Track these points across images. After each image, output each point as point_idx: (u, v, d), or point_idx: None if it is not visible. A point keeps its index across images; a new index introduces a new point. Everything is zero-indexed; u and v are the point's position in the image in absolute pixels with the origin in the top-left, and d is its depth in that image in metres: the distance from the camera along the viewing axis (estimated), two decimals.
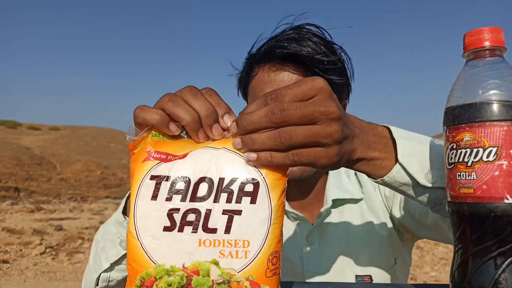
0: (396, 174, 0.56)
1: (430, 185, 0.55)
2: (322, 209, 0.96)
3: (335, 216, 0.99)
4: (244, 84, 0.96)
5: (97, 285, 0.76)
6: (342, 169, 0.91)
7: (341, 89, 0.91)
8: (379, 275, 0.94)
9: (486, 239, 0.43)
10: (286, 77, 0.85)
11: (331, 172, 1.02)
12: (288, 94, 0.46)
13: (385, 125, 0.58)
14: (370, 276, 0.93)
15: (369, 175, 0.58)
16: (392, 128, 0.57)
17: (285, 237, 0.97)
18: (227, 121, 0.48)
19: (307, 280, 0.94)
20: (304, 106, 0.45)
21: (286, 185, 0.49)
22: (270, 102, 0.45)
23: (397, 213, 0.93)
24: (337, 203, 0.98)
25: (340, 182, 1.01)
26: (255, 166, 0.47)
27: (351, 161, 0.53)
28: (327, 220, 0.98)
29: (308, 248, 0.96)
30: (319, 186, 1.01)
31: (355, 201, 0.99)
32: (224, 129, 0.49)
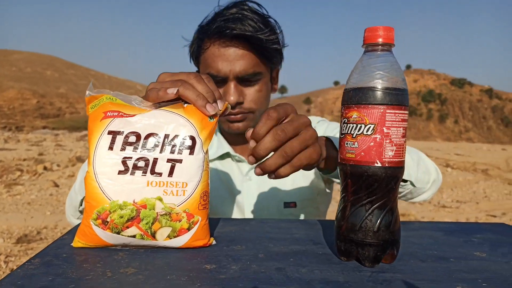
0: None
1: None
2: None
3: None
4: (196, 55, 1.12)
5: (81, 205, 0.91)
6: None
7: (276, 57, 1.11)
8: (302, 203, 1.16)
9: (360, 191, 0.57)
10: (233, 52, 1.03)
11: None
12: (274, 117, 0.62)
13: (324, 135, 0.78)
14: (295, 202, 1.15)
15: (323, 171, 0.77)
16: (330, 138, 0.76)
17: (228, 176, 1.18)
18: (220, 103, 0.62)
19: (246, 209, 1.15)
20: (291, 123, 0.62)
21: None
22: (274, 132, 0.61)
23: None
24: None
25: None
26: (193, 125, 0.58)
27: (323, 158, 0.71)
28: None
29: (246, 183, 1.17)
30: None
31: None
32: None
